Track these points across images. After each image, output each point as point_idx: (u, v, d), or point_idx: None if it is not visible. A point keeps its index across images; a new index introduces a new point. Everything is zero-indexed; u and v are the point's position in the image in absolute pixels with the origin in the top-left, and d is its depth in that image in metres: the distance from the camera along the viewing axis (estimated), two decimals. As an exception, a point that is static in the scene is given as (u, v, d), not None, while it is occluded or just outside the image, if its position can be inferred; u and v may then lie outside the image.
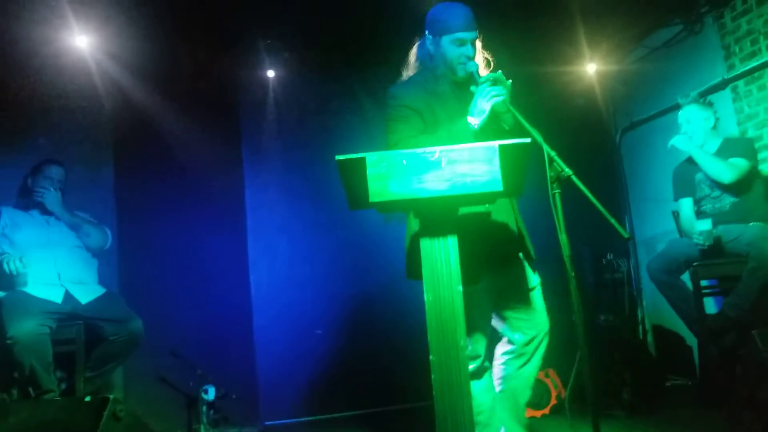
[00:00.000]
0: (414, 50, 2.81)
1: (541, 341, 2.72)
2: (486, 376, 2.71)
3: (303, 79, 5.14)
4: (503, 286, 2.67)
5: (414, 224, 2.47)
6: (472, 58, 2.59)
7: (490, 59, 2.79)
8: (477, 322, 2.59)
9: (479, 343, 2.64)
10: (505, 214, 2.61)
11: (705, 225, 3.95)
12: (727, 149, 4.09)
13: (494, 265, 2.60)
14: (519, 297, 2.69)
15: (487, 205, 2.49)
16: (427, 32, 2.69)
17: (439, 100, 2.63)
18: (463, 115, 2.45)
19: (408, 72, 2.81)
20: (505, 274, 2.67)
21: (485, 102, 2.38)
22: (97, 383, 3.77)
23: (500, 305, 2.71)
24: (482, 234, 2.48)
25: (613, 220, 2.09)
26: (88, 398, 2.31)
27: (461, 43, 2.58)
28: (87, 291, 3.83)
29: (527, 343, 2.71)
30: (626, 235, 2.11)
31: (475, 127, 2.40)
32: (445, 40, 2.61)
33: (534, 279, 2.72)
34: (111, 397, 2.27)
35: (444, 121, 2.57)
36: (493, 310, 2.70)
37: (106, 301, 3.86)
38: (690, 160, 4.25)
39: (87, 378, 3.69)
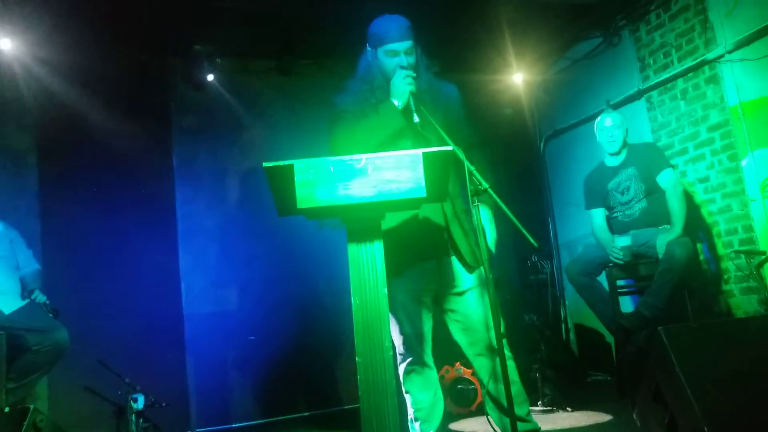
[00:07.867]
0: (359, 62, 2.88)
1: (481, 339, 2.70)
2: (424, 373, 2.76)
3: (236, 85, 5.10)
4: (436, 288, 2.75)
5: None
6: (408, 67, 2.65)
7: (431, 65, 2.87)
8: (404, 324, 2.68)
9: (408, 343, 2.72)
10: (434, 217, 2.69)
11: (624, 241, 4.13)
12: (639, 155, 4.24)
13: (422, 266, 2.69)
14: (452, 299, 2.76)
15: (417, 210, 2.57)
16: (367, 45, 2.79)
17: (375, 109, 2.70)
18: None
19: (352, 83, 2.88)
20: (434, 275, 2.73)
21: (402, 83, 2.54)
22: (19, 394, 3.67)
23: (440, 308, 2.79)
24: (408, 233, 2.58)
25: (524, 230, 2.20)
26: (7, 409, 2.27)
27: (394, 53, 2.68)
28: (10, 301, 3.74)
29: (471, 344, 2.73)
30: (535, 245, 2.23)
31: (398, 106, 2.56)
32: (380, 51, 2.71)
33: (467, 281, 2.75)
34: (31, 407, 2.23)
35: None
36: (431, 312, 2.78)
37: (29, 310, 3.77)
38: (601, 169, 4.39)
39: (9, 389, 3.59)
